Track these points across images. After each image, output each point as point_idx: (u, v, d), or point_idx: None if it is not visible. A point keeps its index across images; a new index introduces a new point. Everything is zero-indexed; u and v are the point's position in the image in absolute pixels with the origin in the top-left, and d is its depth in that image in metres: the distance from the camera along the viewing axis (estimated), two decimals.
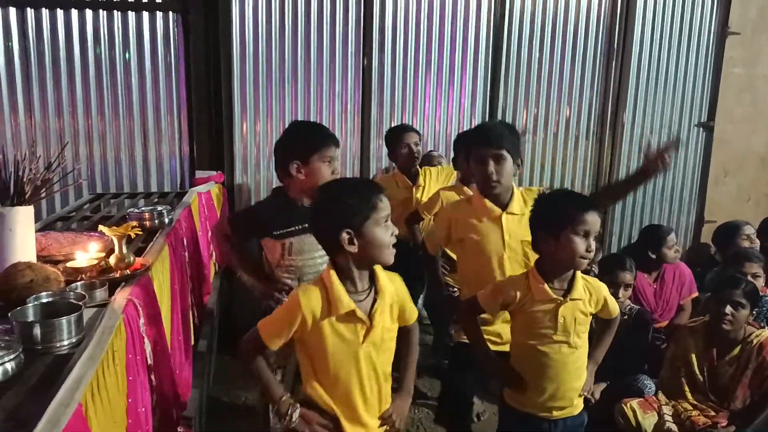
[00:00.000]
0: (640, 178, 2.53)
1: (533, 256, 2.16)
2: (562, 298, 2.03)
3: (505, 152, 2.27)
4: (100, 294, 1.63)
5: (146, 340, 1.68)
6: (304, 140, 2.31)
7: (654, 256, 3.79)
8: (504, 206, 2.35)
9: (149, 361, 1.68)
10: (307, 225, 2.20)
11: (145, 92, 4.17)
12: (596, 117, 4.86)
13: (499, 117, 4.67)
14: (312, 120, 4.31)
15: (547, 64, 4.72)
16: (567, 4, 4.66)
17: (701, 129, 5.08)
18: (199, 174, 3.97)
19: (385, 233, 1.65)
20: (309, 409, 1.74)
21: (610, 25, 4.74)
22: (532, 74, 4.71)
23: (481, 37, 4.58)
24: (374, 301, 1.71)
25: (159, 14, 4.11)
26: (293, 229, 2.26)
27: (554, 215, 1.97)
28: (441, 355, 3.61)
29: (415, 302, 3.64)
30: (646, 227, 4.18)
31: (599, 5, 4.71)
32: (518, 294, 2.07)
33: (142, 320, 1.67)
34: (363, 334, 1.68)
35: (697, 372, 3.07)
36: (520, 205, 2.36)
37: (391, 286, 1.77)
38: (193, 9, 4.11)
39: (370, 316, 1.69)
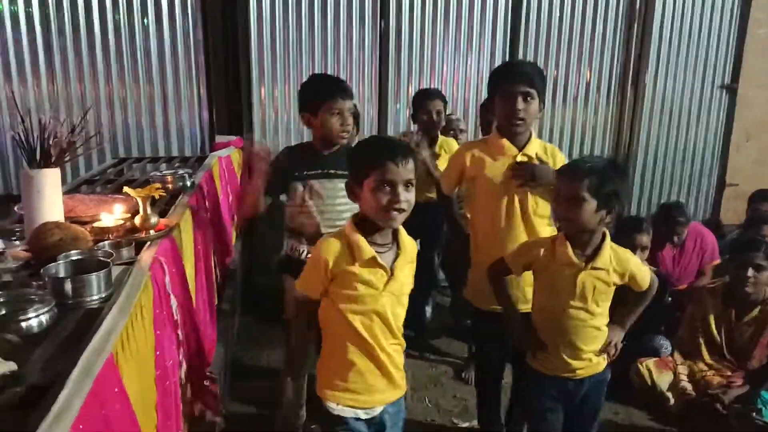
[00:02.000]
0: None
1: (543, 205, 2.20)
2: (583, 264, 2.02)
3: (534, 91, 2.25)
4: (127, 252, 1.68)
5: (172, 296, 1.73)
6: (313, 93, 2.38)
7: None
8: (521, 148, 2.34)
9: (176, 317, 1.74)
10: (327, 170, 2.32)
11: (164, 58, 4.19)
12: (617, 79, 4.79)
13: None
14: None
15: (568, 26, 4.65)
16: None
17: (725, 91, 4.99)
18: (219, 139, 4.01)
19: (380, 197, 1.66)
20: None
21: None
22: (552, 36, 4.65)
23: (499, 2, 4.51)
24: (396, 255, 1.76)
25: None
26: (314, 172, 2.34)
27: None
28: (460, 316, 3.66)
29: (433, 263, 3.71)
30: (661, 206, 4.13)
31: None
32: (542, 253, 2.08)
33: (167, 278, 1.72)
34: (384, 282, 1.74)
35: (715, 332, 3.08)
36: (536, 149, 2.35)
37: (412, 246, 1.82)
38: None
39: (392, 267, 1.75)
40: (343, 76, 4.37)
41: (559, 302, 2.07)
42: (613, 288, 2.09)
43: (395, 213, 1.68)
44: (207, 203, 2.65)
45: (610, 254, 2.04)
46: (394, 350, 1.83)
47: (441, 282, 4.06)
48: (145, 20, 4.14)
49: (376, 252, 1.72)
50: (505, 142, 2.32)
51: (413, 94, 3.83)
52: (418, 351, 3.51)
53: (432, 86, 4.48)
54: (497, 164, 2.33)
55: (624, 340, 3.11)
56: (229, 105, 4.26)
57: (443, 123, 3.60)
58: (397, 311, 1.80)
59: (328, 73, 4.35)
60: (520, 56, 4.61)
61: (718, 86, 4.98)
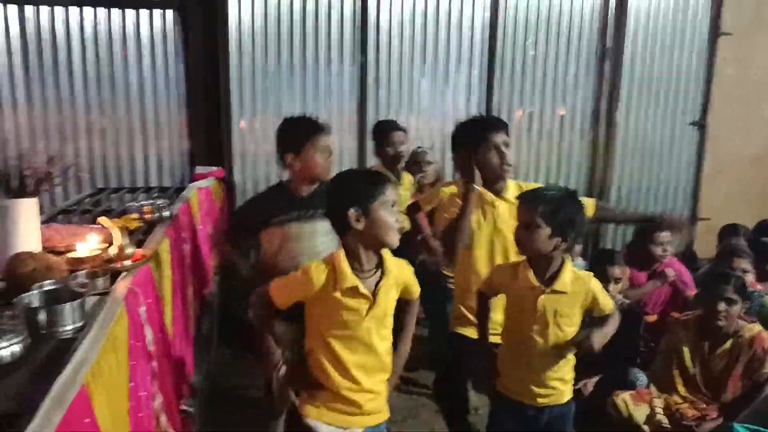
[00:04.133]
0: (646, 220, 2.83)
1: None
2: (544, 287, 2.07)
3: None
4: (102, 283, 1.68)
5: (147, 327, 1.72)
6: (295, 132, 2.40)
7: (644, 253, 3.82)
8: (497, 193, 2.43)
9: (150, 348, 1.72)
10: (306, 211, 2.33)
11: (144, 89, 4.21)
12: (591, 116, 4.90)
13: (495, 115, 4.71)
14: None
15: (542, 63, 4.77)
16: (561, 3, 4.70)
17: (694, 128, 5.13)
18: (199, 169, 4.01)
19: (390, 215, 1.75)
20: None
21: (603, 24, 4.80)
22: (527, 73, 4.76)
23: (475, 36, 4.63)
24: (380, 279, 1.80)
25: (157, 12, 4.16)
26: (292, 215, 2.34)
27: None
28: (439, 346, 3.64)
29: None
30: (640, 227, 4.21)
31: (592, 5, 4.76)
32: (508, 277, 2.14)
33: (143, 308, 1.71)
34: (366, 309, 1.77)
35: (689, 365, 3.11)
36: (514, 193, 2.42)
37: (397, 268, 1.86)
38: (191, 6, 4.16)
39: (375, 293, 1.78)
40: (323, 110, 4.43)
41: (522, 326, 2.12)
42: (578, 314, 2.12)
43: (392, 233, 1.76)
44: (185, 234, 2.64)
45: (570, 277, 2.09)
46: (377, 374, 1.85)
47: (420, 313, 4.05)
48: (126, 51, 4.16)
49: (360, 278, 1.76)
50: (483, 190, 2.42)
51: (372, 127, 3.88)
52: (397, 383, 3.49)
53: (410, 120, 4.55)
54: (477, 212, 2.42)
55: (600, 373, 3.17)
56: (209, 136, 4.28)
57: (407, 151, 3.64)
58: (381, 333, 1.83)
59: (308, 106, 4.40)
60: (496, 92, 4.71)
61: (688, 123, 5.11)
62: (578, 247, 3.91)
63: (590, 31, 4.79)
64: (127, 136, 4.24)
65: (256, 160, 4.40)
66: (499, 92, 4.73)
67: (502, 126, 2.43)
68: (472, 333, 2.42)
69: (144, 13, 4.16)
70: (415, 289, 1.95)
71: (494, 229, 2.41)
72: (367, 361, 1.81)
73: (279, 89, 4.37)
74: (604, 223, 2.88)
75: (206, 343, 2.85)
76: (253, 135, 4.36)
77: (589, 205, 2.49)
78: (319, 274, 1.76)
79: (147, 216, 2.48)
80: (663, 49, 4.95)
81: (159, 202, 2.67)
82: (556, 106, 4.86)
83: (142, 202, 2.68)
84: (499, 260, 2.40)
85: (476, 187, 2.34)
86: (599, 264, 3.32)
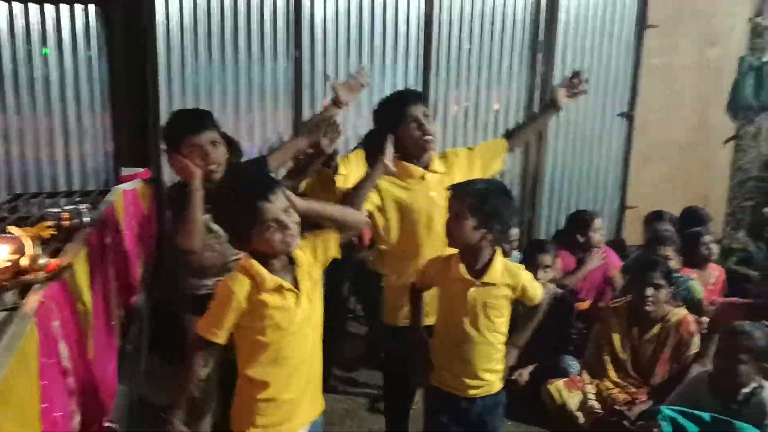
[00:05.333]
0: (550, 110, 2.75)
1: None
2: (474, 280, 2.11)
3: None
4: (10, 297, 1.58)
5: (62, 343, 1.63)
6: (171, 128, 2.27)
7: (582, 240, 3.93)
8: (425, 167, 2.45)
9: (66, 365, 1.64)
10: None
11: (65, 88, 4.02)
12: (524, 109, 4.97)
13: (431, 112, 4.72)
14: (242, 113, 4.29)
15: (476, 58, 4.80)
16: None
17: (622, 118, 5.28)
18: (125, 171, 3.86)
19: (273, 235, 1.71)
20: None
21: (536, 17, 4.86)
22: (462, 68, 4.78)
23: (411, 30, 4.61)
24: (294, 270, 1.80)
25: (78, 7, 3.97)
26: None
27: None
28: (376, 344, 3.64)
29: (342, 290, 3.67)
30: (574, 212, 4.32)
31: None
32: (441, 270, 2.18)
33: (57, 323, 1.62)
34: (294, 300, 1.78)
35: (620, 350, 3.21)
36: (441, 166, 2.48)
37: (303, 253, 1.84)
38: (115, 1, 3.99)
39: (296, 285, 1.79)
40: (257, 105, 4.34)
41: (453, 318, 2.17)
42: (507, 305, 2.17)
43: (290, 240, 1.73)
44: (108, 239, 2.53)
45: (501, 269, 2.14)
46: (314, 364, 1.87)
47: (357, 311, 4.05)
48: (46, 49, 3.96)
49: (280, 277, 1.75)
50: (411, 165, 2.43)
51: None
52: (333, 384, 3.46)
53: (347, 115, 4.49)
54: (409, 187, 2.43)
55: (534, 363, 3.24)
56: (136, 136, 4.12)
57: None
58: (313, 323, 1.84)
59: (242, 103, 4.29)
60: (432, 86, 4.72)
61: (616, 114, 5.25)
62: (515, 242, 3.97)
63: (523, 25, 4.85)
64: (47, 138, 4.03)
65: None
66: (435, 86, 4.74)
67: (420, 98, 2.45)
68: (407, 322, 2.45)
69: (64, 8, 3.97)
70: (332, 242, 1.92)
71: (428, 201, 2.42)
72: (304, 354, 1.82)
73: (210, 86, 4.24)
74: (521, 145, 2.94)
75: (134, 353, 2.75)
76: None
77: (501, 145, 2.66)
78: (240, 285, 1.74)
79: (66, 222, 2.35)
80: (593, 41, 5.06)
81: (80, 207, 2.55)
82: (491, 99, 4.91)
83: (62, 208, 2.56)
84: (435, 236, 2.38)
85: (387, 162, 2.24)
86: (530, 252, 3.47)
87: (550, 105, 2.73)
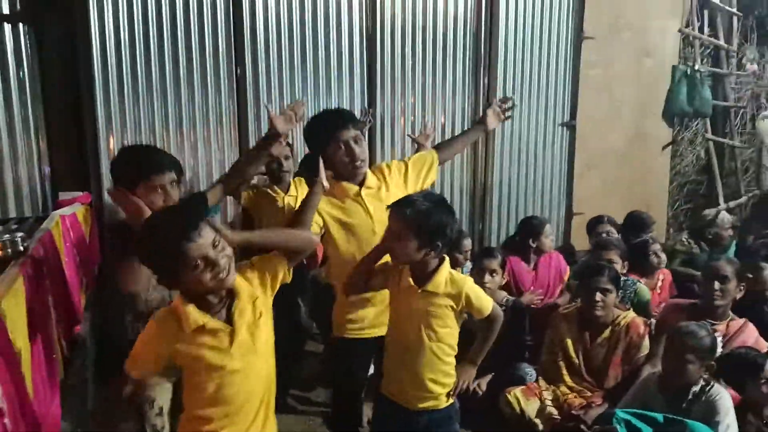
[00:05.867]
0: (478, 128, 2.92)
1: None
2: (417, 288, 2.11)
3: (360, 133, 2.41)
4: None
5: None
6: (129, 165, 2.18)
7: (534, 245, 3.99)
8: (359, 184, 2.45)
9: (1, 405, 1.53)
10: None
11: None
12: (469, 122, 5.04)
13: (378, 126, 4.73)
14: (185, 132, 4.19)
15: (420, 74, 4.83)
16: (435, 13, 4.79)
17: (564, 128, 5.42)
18: (63, 195, 3.69)
19: (202, 274, 1.60)
20: None
21: (476, 32, 4.94)
22: (407, 84, 4.80)
23: (354, 49, 4.61)
24: (231, 303, 1.71)
25: (7, 26, 3.80)
26: None
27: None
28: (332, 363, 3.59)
29: (299, 316, 3.62)
30: (524, 219, 4.38)
31: (465, 12, 4.89)
32: (391, 275, 2.18)
33: None
34: (228, 339, 1.68)
35: (573, 355, 3.26)
36: (374, 181, 2.49)
37: (245, 282, 1.76)
38: (46, 19, 3.84)
39: (230, 320, 1.69)
40: (199, 123, 4.25)
41: (399, 325, 2.18)
42: (452, 316, 2.16)
43: (223, 276, 1.63)
44: (45, 268, 2.41)
45: (445, 279, 2.13)
46: (265, 395, 1.78)
47: (313, 331, 3.98)
48: None
49: (210, 313, 1.67)
50: (345, 184, 2.45)
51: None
52: (291, 404, 3.39)
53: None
54: (346, 206, 2.44)
55: (491, 372, 3.25)
56: (74, 159, 3.96)
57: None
58: (260, 355, 1.75)
59: (184, 121, 4.19)
60: (378, 102, 4.72)
61: (558, 124, 5.38)
62: (468, 252, 3.99)
63: (464, 39, 4.92)
64: None
65: None
66: (380, 103, 4.75)
67: (350, 120, 2.42)
68: (354, 333, 2.47)
69: None
70: (279, 261, 1.85)
71: (366, 217, 2.43)
72: (251, 398, 1.74)
73: (151, 105, 4.12)
74: (450, 157, 3.03)
75: (80, 386, 2.62)
76: None
77: (432, 156, 2.72)
78: (164, 325, 1.67)
79: None
80: (533, 54, 5.18)
81: (16, 235, 2.42)
82: (436, 114, 4.95)
83: None
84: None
85: (322, 181, 2.24)
86: (477, 258, 3.53)
87: (480, 123, 2.91)
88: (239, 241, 1.74)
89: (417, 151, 3.66)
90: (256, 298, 1.76)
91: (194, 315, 1.64)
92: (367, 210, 2.44)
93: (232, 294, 1.72)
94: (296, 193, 3.40)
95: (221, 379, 1.68)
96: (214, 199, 2.30)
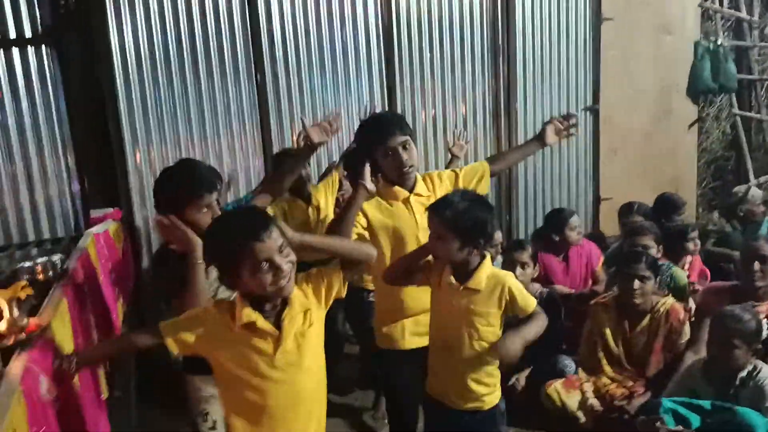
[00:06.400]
0: (535, 143, 2.68)
1: None
2: (458, 286, 2.10)
3: (409, 137, 2.34)
4: None
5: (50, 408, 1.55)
6: (174, 191, 2.15)
7: (558, 239, 3.94)
8: (410, 190, 2.41)
9: (55, 430, 1.56)
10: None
11: (24, 132, 3.90)
12: (491, 111, 5.00)
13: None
14: (210, 141, 4.22)
15: (439, 65, 4.81)
16: (450, 3, 4.76)
17: (588, 112, 5.34)
18: (94, 213, 3.74)
19: (264, 278, 1.61)
20: None
21: (493, 21, 4.90)
22: (426, 76, 4.78)
23: (372, 44, 4.60)
24: (281, 310, 1.71)
25: (30, 49, 3.86)
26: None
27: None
28: (370, 365, 3.59)
29: (336, 322, 3.63)
30: (550, 212, 4.34)
31: (481, 1, 4.84)
32: (435, 273, 2.17)
33: (45, 386, 1.54)
34: (273, 346, 1.69)
35: (613, 345, 3.22)
36: (425, 189, 2.44)
37: (300, 292, 1.76)
38: (68, 39, 3.89)
39: (279, 325, 1.70)
40: (223, 131, 4.27)
41: (441, 323, 2.17)
42: (495, 314, 2.11)
43: (283, 283, 1.63)
44: (86, 288, 2.44)
45: (486, 275, 2.11)
46: (312, 411, 1.78)
47: (350, 337, 3.98)
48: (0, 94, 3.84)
49: (264, 314, 1.68)
50: (397, 188, 2.40)
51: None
52: (330, 409, 3.39)
53: None
54: (394, 210, 2.40)
55: (530, 365, 3.22)
56: (102, 174, 4.01)
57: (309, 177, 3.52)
58: (305, 368, 1.74)
59: (207, 131, 4.22)
60: (398, 97, 4.71)
61: (581, 109, 5.31)
62: (499, 245, 3.95)
63: (481, 29, 4.88)
64: (9, 185, 3.89)
65: None
66: (400, 97, 4.73)
67: (398, 126, 2.35)
68: (399, 345, 2.43)
69: (16, 52, 3.85)
70: (335, 274, 1.84)
71: (414, 224, 2.38)
72: (293, 410, 1.73)
73: (174, 116, 4.15)
74: (503, 169, 2.89)
75: (124, 400, 2.66)
76: (151, 168, 4.11)
77: (484, 168, 2.57)
78: (220, 311, 1.70)
79: (40, 276, 2.28)
80: (551, 39, 5.12)
81: (53, 257, 2.46)
82: (457, 104, 4.92)
83: (34, 261, 2.46)
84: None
85: (366, 185, 2.18)
86: (507, 252, 3.48)
87: (537, 139, 2.67)
88: (299, 242, 1.73)
89: (451, 161, 3.61)
90: (308, 309, 1.75)
91: (248, 311, 1.65)
92: (413, 216, 2.39)
93: (284, 302, 1.72)
94: (318, 201, 3.41)
95: (262, 384, 1.69)
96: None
